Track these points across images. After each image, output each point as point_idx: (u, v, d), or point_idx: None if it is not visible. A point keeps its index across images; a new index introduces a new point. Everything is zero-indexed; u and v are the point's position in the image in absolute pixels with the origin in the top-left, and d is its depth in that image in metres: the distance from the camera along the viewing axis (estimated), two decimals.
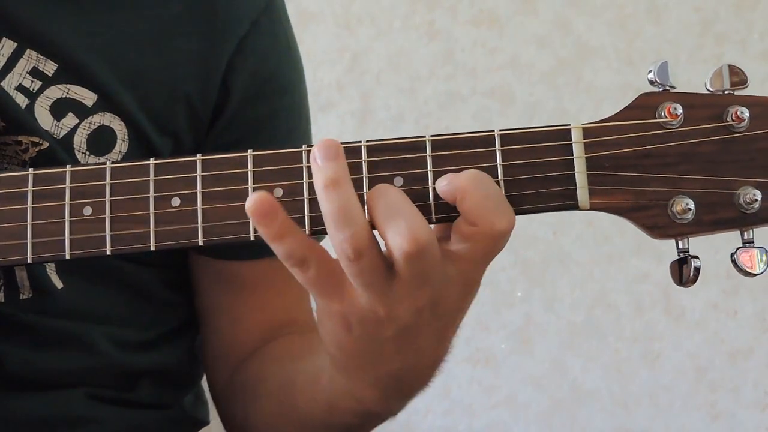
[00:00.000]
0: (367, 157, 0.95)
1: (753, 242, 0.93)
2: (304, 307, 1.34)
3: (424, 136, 0.95)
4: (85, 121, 1.19)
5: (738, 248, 0.93)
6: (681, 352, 2.33)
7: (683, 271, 0.94)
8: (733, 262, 0.93)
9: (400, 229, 0.90)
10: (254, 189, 0.96)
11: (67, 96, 1.18)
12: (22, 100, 1.17)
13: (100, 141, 1.19)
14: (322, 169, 0.92)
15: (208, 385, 1.37)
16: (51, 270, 1.19)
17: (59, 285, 1.20)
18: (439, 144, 0.95)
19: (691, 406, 2.33)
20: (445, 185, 0.93)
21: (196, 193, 0.97)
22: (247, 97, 1.26)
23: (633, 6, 2.33)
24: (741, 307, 2.32)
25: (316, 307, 1.00)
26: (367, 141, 0.95)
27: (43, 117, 1.17)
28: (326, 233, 0.93)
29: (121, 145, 1.20)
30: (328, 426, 1.15)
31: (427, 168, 0.95)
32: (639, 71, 2.29)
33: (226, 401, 1.34)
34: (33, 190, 1.00)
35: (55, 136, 1.18)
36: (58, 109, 1.18)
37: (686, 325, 2.33)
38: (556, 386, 2.34)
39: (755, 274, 0.92)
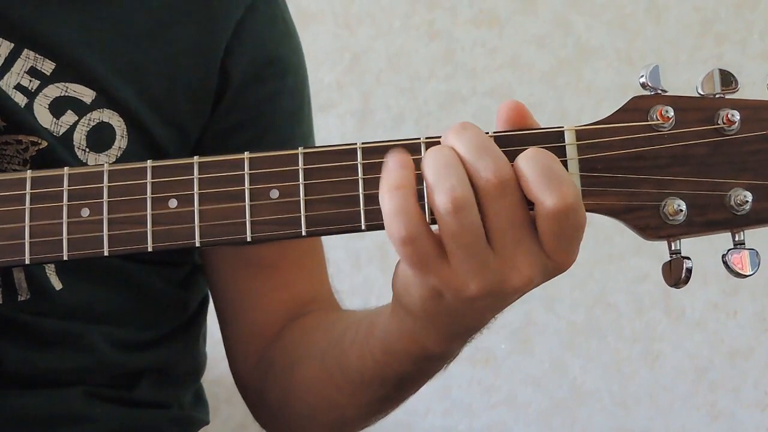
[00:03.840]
0: (363, 159, 0.95)
1: (744, 244, 0.93)
2: (325, 283, 1.34)
3: (419, 138, 0.95)
4: (84, 118, 1.19)
5: (729, 250, 0.94)
6: (681, 352, 2.33)
7: (674, 272, 0.94)
8: (725, 263, 0.93)
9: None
10: (250, 190, 0.97)
11: (66, 94, 1.18)
12: (20, 99, 1.17)
13: (100, 138, 1.20)
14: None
15: (232, 375, 1.35)
16: (50, 271, 1.20)
17: (58, 286, 1.20)
18: (433, 146, 0.94)
19: (691, 406, 2.33)
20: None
21: (193, 194, 0.97)
22: (247, 81, 1.26)
23: (633, 6, 2.33)
24: (741, 307, 2.32)
25: (399, 275, 0.98)
26: (363, 143, 0.96)
27: (43, 115, 1.18)
28: (320, 234, 0.94)
29: (121, 141, 1.20)
30: (382, 379, 1.12)
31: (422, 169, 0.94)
32: (639, 71, 2.29)
33: (258, 381, 1.32)
34: (31, 192, 1.00)
35: (54, 134, 1.18)
36: (57, 107, 1.18)
37: (686, 325, 2.33)
38: (556, 386, 2.34)
39: (746, 276, 0.93)
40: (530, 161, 0.92)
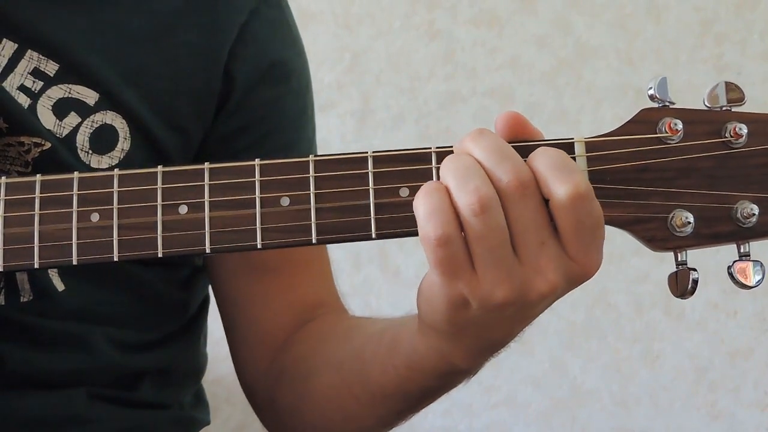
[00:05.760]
0: (374, 168, 0.96)
1: (749, 255, 0.94)
2: (331, 286, 1.34)
3: (430, 148, 0.96)
4: (87, 119, 1.19)
5: (734, 261, 0.94)
6: (681, 352, 2.33)
7: (681, 284, 0.95)
8: (730, 274, 0.94)
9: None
10: (261, 198, 0.97)
11: (69, 96, 1.19)
12: (24, 100, 1.18)
13: (103, 139, 1.20)
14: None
15: (239, 380, 1.35)
16: (53, 272, 1.20)
17: (60, 287, 1.20)
18: (444, 155, 0.95)
19: (691, 406, 2.33)
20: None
21: (203, 201, 0.98)
22: (251, 84, 1.27)
23: (633, 6, 2.33)
24: (741, 307, 2.32)
25: (427, 286, 0.98)
26: (374, 152, 0.96)
27: (46, 117, 1.18)
28: (331, 242, 0.94)
29: (123, 143, 1.21)
30: (404, 393, 1.12)
31: (432, 179, 0.95)
32: (639, 71, 2.29)
33: (268, 387, 1.31)
34: (40, 196, 1.00)
35: (57, 135, 1.18)
36: (61, 108, 1.19)
37: (686, 325, 2.33)
38: (556, 386, 2.34)
39: (750, 287, 0.94)
40: (541, 157, 0.93)
